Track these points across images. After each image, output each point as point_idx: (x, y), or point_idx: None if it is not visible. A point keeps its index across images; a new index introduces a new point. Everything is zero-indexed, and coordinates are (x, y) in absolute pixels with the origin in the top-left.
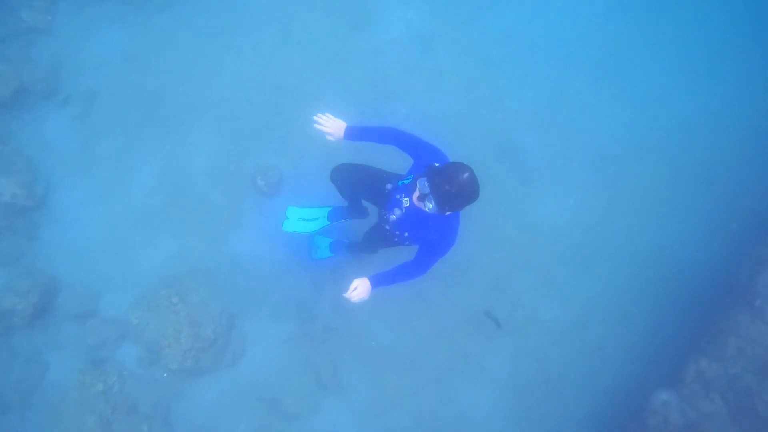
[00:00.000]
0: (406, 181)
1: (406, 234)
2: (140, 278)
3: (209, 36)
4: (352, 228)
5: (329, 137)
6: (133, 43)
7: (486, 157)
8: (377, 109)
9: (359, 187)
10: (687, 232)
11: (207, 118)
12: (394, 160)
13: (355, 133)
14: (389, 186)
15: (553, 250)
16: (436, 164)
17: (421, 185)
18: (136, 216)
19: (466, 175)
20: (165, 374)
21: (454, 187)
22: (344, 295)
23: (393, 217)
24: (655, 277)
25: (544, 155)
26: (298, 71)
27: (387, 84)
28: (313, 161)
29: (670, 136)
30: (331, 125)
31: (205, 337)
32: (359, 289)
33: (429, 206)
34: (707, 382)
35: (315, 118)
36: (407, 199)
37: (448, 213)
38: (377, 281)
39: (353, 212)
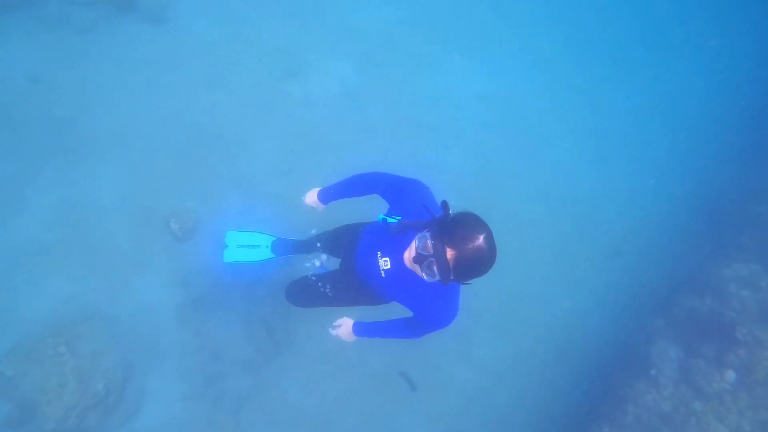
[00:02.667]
0: (390, 219)
1: (327, 288)
2: (21, 323)
3: (131, 67)
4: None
5: (308, 206)
6: (43, 63)
7: None
8: (303, 159)
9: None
10: (593, 302)
11: (120, 153)
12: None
13: (331, 195)
14: (313, 231)
15: (470, 313)
16: (449, 212)
17: (421, 243)
18: (24, 251)
19: (481, 237)
20: None
21: (467, 253)
22: (329, 330)
23: (317, 263)
24: (563, 344)
25: None
26: (224, 114)
27: (316, 135)
28: (232, 206)
29: (581, 209)
30: (309, 198)
31: (94, 392)
32: (342, 329)
33: (428, 273)
34: None
35: (302, 202)
36: (386, 259)
37: (441, 282)
38: (361, 329)
39: (302, 247)
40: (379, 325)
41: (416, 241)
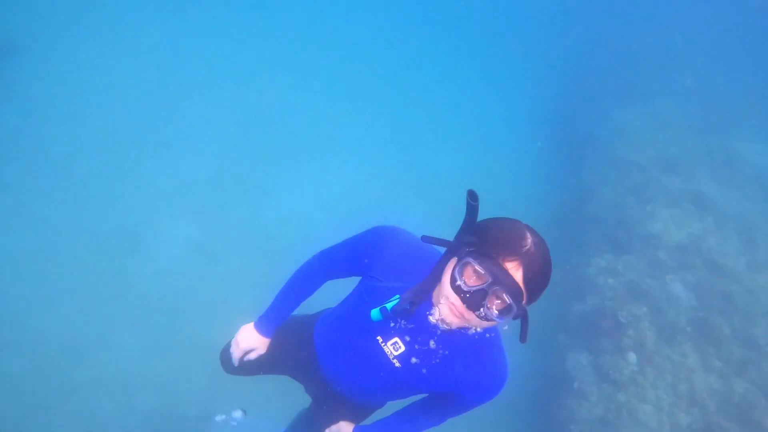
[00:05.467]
0: (390, 304)
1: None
2: None
3: None
4: None
5: (253, 355)
6: None
7: None
8: (172, 331)
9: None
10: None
11: None
12: None
13: (276, 318)
14: (236, 415)
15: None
16: (477, 208)
17: (463, 278)
18: None
19: (524, 228)
20: None
21: (530, 256)
22: None
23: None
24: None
25: None
26: (69, 323)
27: (178, 302)
28: (106, 416)
29: None
30: (245, 342)
31: None
32: None
33: (497, 313)
34: None
35: (234, 359)
36: (396, 340)
37: (513, 317)
38: None
39: None
40: (393, 423)
41: (456, 274)
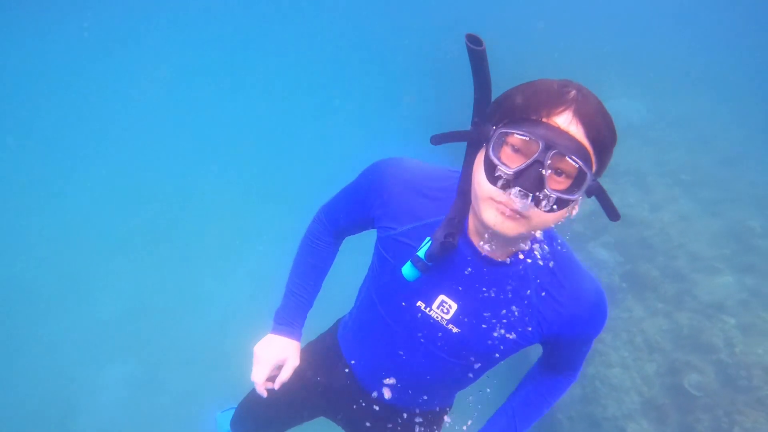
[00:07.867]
0: (421, 251)
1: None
2: None
3: None
4: None
5: (287, 372)
6: None
7: None
8: None
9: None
10: None
11: None
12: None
13: (298, 313)
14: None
15: None
16: (485, 62)
17: (502, 159)
18: None
19: (565, 80)
20: None
21: (582, 102)
22: None
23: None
24: None
25: None
26: None
27: None
28: None
29: None
30: (268, 356)
31: None
32: None
33: (565, 190)
34: None
35: (259, 388)
36: (442, 298)
37: (587, 192)
38: None
39: None
40: (510, 416)
41: (490, 163)
